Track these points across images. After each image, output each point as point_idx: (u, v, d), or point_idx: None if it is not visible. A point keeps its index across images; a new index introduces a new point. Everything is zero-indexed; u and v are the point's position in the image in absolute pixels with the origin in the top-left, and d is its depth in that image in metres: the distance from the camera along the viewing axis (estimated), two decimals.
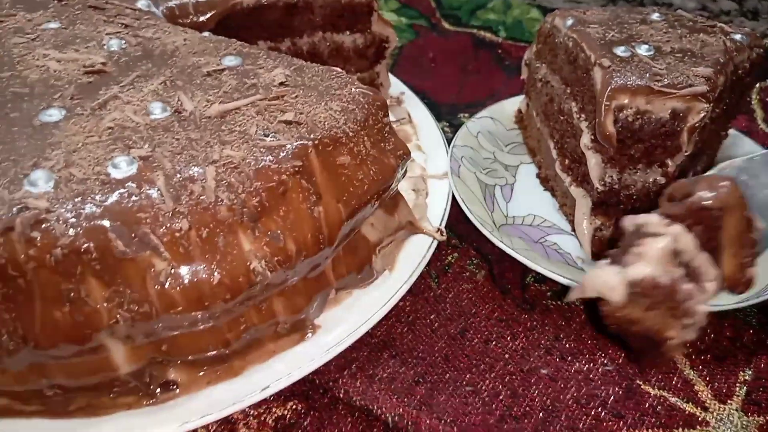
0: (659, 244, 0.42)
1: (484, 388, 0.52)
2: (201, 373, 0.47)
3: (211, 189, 0.43)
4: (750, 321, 0.57)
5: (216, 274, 0.43)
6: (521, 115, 0.78)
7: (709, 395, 0.51)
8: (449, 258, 0.64)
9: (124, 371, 0.45)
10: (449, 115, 0.84)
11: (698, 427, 0.49)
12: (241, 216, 0.43)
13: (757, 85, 0.88)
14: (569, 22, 0.62)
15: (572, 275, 0.56)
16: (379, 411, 0.50)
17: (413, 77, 0.89)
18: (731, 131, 0.69)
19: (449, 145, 0.71)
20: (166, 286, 0.42)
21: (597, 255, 0.60)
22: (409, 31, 1.05)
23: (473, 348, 0.55)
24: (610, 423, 0.49)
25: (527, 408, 0.50)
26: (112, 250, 0.40)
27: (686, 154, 0.55)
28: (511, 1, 1.11)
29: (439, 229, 0.59)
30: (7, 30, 0.56)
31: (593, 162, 0.57)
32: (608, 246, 0.58)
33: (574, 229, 0.63)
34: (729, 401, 0.51)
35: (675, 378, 0.53)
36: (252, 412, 0.50)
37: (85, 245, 0.40)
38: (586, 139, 0.58)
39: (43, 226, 0.39)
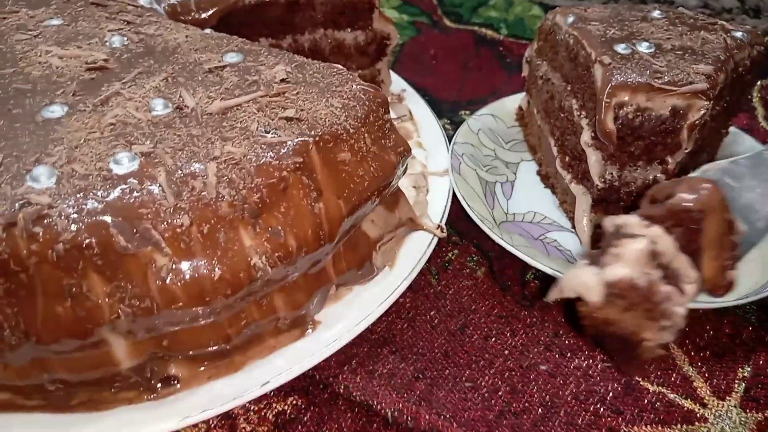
0: (636, 246, 0.42)
1: (483, 384, 0.52)
2: (202, 368, 0.48)
3: (212, 185, 0.43)
4: (749, 318, 0.57)
5: (217, 269, 0.43)
6: (522, 113, 0.78)
7: (708, 392, 0.52)
8: (449, 255, 0.64)
9: (126, 366, 0.45)
10: (450, 113, 0.85)
11: (697, 423, 0.50)
12: (242, 212, 0.43)
13: (759, 82, 0.88)
14: (570, 19, 0.63)
15: None
16: (378, 406, 0.50)
17: (414, 74, 0.90)
18: (732, 129, 0.69)
19: (450, 142, 0.71)
20: (167, 281, 0.42)
21: None
22: (410, 29, 1.05)
23: (473, 344, 0.55)
24: (609, 419, 0.50)
25: (526, 404, 0.51)
26: (113, 245, 0.40)
27: (686, 151, 0.56)
28: None
29: (439, 226, 0.60)
30: (9, 27, 0.57)
31: (593, 159, 0.58)
32: None
33: (574, 226, 0.64)
34: (728, 398, 0.51)
35: (674, 374, 0.53)
36: (252, 407, 0.50)
37: (87, 240, 0.40)
38: (586, 137, 0.58)
39: (46, 221, 0.40)
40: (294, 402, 0.51)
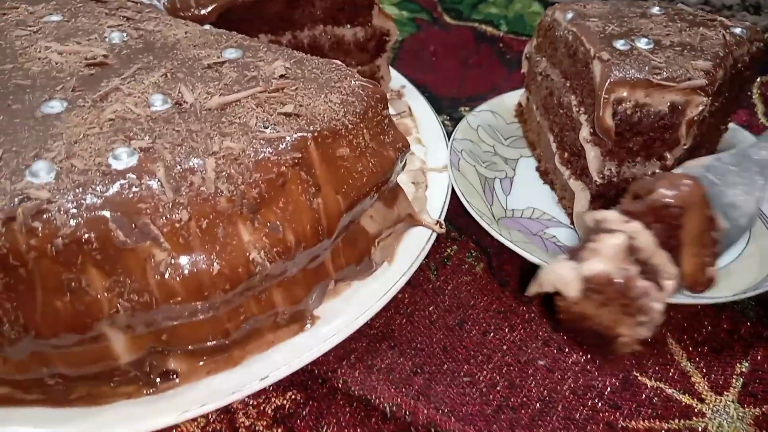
0: (614, 241, 0.42)
1: (481, 378, 0.52)
2: (201, 363, 0.48)
3: (210, 180, 0.43)
4: (748, 314, 0.57)
5: (215, 264, 0.43)
6: (521, 109, 0.78)
7: (706, 387, 0.52)
8: (448, 250, 0.64)
9: (125, 360, 0.45)
10: (450, 109, 0.85)
11: (694, 418, 0.50)
12: (241, 207, 0.43)
13: (759, 79, 0.88)
14: (569, 15, 0.63)
15: None
16: (377, 401, 0.50)
17: (414, 71, 0.90)
18: (731, 125, 0.69)
19: (449, 139, 0.71)
20: (166, 276, 0.42)
21: None
22: (410, 25, 1.05)
23: (471, 339, 0.55)
24: (607, 414, 0.50)
25: (524, 398, 0.51)
26: (112, 240, 0.41)
27: (685, 147, 0.56)
28: None
29: (438, 222, 0.60)
30: (9, 22, 0.57)
31: (592, 155, 0.58)
32: None
33: (572, 222, 0.64)
34: (725, 393, 0.51)
35: (672, 369, 0.53)
36: (251, 401, 0.50)
37: (86, 235, 0.40)
38: (585, 132, 0.58)
39: (45, 216, 0.40)
40: (293, 396, 0.51)
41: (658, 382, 0.52)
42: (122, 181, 0.42)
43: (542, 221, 0.65)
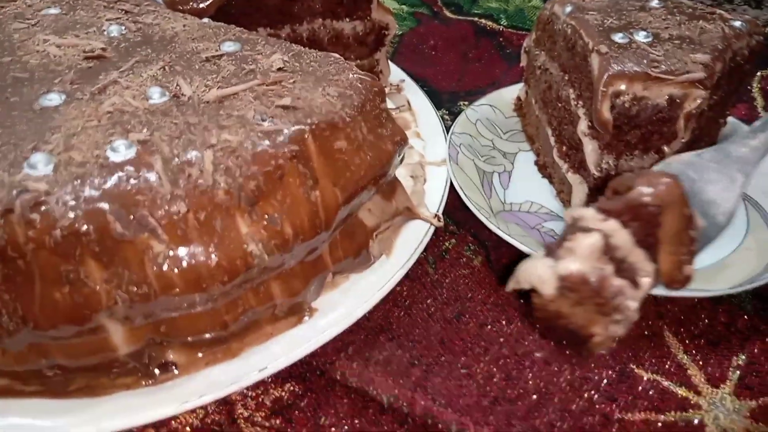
0: (589, 241, 0.41)
1: (478, 370, 0.52)
2: (199, 355, 0.48)
3: (208, 173, 0.43)
4: (745, 307, 0.57)
5: (213, 256, 0.43)
6: (520, 103, 0.78)
7: (702, 379, 0.52)
8: (447, 244, 0.64)
9: (123, 352, 0.45)
10: (449, 103, 0.85)
11: (691, 410, 0.50)
12: (239, 199, 0.44)
13: (759, 73, 0.88)
14: (568, 9, 0.63)
15: None
16: (374, 392, 0.50)
17: (414, 65, 0.90)
18: (730, 119, 0.69)
19: (448, 133, 0.71)
20: (164, 268, 0.42)
21: None
22: (410, 19, 1.05)
23: (469, 332, 0.55)
24: (603, 406, 0.50)
25: (521, 390, 0.51)
26: (110, 232, 0.41)
27: (683, 140, 0.56)
28: None
29: (436, 215, 0.60)
30: (7, 15, 0.57)
31: (590, 148, 0.58)
32: None
33: None
34: (722, 385, 0.51)
35: (668, 362, 0.53)
36: (250, 393, 0.51)
37: (84, 227, 0.40)
38: (583, 126, 0.58)
39: (43, 208, 0.40)
40: (291, 388, 0.51)
41: (654, 375, 0.52)
42: (120, 174, 0.42)
43: (540, 215, 0.65)
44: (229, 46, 0.54)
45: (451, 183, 0.64)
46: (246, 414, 0.49)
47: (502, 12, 1.06)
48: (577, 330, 0.43)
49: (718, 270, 0.57)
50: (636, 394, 0.51)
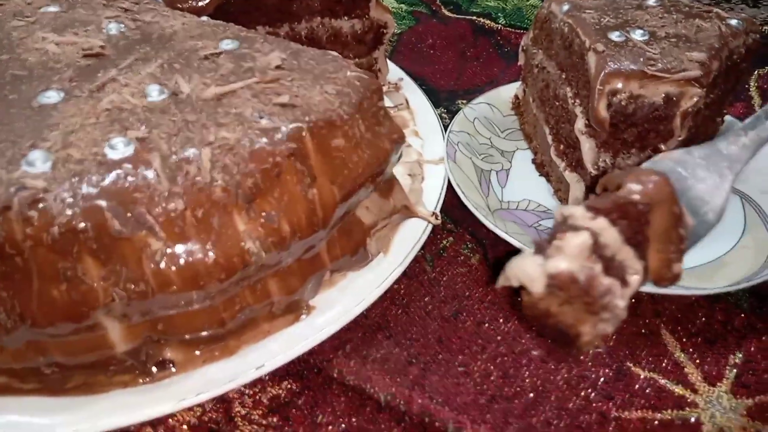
0: (577, 240, 0.41)
1: (475, 368, 0.52)
2: (197, 352, 0.48)
3: (206, 170, 0.43)
4: (742, 305, 0.57)
5: (211, 254, 0.43)
6: (518, 101, 0.78)
7: (699, 377, 0.52)
8: (444, 242, 0.64)
9: (121, 349, 0.46)
10: (447, 101, 0.85)
11: (687, 409, 0.50)
12: (236, 197, 0.44)
13: (756, 72, 0.88)
14: (565, 7, 0.63)
15: None
16: (372, 390, 0.50)
17: (413, 63, 0.90)
18: (727, 118, 0.69)
19: (446, 131, 0.71)
20: (162, 265, 0.42)
21: None
22: (408, 18, 1.05)
23: (466, 330, 0.56)
24: (600, 404, 0.50)
25: (518, 388, 0.51)
26: (108, 229, 0.41)
27: (680, 139, 0.56)
28: None
29: (434, 213, 0.60)
30: (6, 13, 0.57)
31: (587, 147, 0.58)
32: None
33: None
34: (718, 384, 0.52)
35: (665, 360, 0.53)
36: (247, 391, 0.51)
37: (82, 224, 0.40)
38: (580, 124, 0.58)
39: (41, 205, 0.40)
40: (288, 386, 0.51)
41: (651, 373, 0.52)
42: (118, 171, 0.42)
43: (538, 213, 0.66)
44: (227, 44, 0.54)
45: (449, 181, 0.64)
46: (243, 412, 0.50)
47: (500, 11, 1.06)
48: (565, 329, 0.43)
49: (716, 268, 0.57)
50: (633, 393, 0.51)
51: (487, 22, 1.03)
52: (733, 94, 0.65)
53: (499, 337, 0.55)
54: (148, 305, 0.44)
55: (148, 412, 0.45)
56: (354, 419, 0.49)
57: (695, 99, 0.53)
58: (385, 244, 0.57)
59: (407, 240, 0.58)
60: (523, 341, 0.55)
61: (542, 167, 0.71)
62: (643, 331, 0.55)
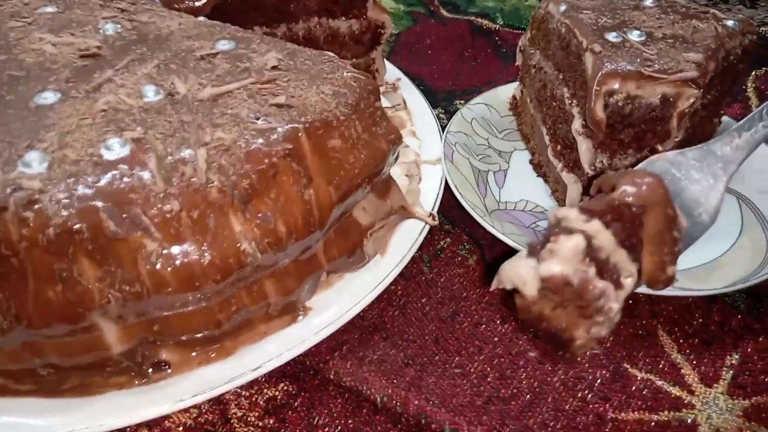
0: (570, 244, 0.41)
1: (472, 370, 0.52)
2: (193, 354, 0.48)
3: (202, 171, 0.43)
4: (738, 306, 0.57)
5: (206, 254, 0.43)
6: (516, 102, 0.78)
7: (696, 379, 0.52)
8: (441, 243, 0.64)
9: (117, 351, 0.46)
10: (445, 102, 0.85)
11: (684, 410, 0.50)
12: (232, 198, 0.44)
13: (753, 72, 0.88)
14: (562, 8, 0.63)
15: None
16: (368, 392, 0.50)
17: (411, 64, 0.90)
18: (725, 118, 0.69)
19: (444, 131, 0.71)
20: (157, 266, 0.42)
21: None
22: (407, 18, 1.05)
23: (463, 331, 0.56)
24: (597, 405, 0.50)
25: (514, 390, 0.51)
26: (103, 230, 0.41)
27: (676, 139, 0.56)
28: None
29: (431, 214, 0.60)
30: (3, 14, 0.57)
31: (584, 147, 0.58)
32: None
33: None
34: (715, 385, 0.52)
35: (662, 361, 0.53)
36: (243, 392, 0.51)
37: (78, 225, 0.40)
38: (577, 125, 0.58)
39: (36, 206, 0.40)
40: (285, 387, 0.51)
41: (648, 374, 0.52)
42: (114, 172, 0.42)
43: (535, 213, 0.66)
44: (223, 45, 0.54)
45: (446, 182, 0.64)
46: (239, 413, 0.50)
47: (498, 11, 1.06)
48: (559, 333, 0.43)
49: (713, 269, 0.57)
50: (629, 394, 0.51)
51: (485, 22, 1.03)
52: (730, 94, 0.65)
53: (496, 339, 0.55)
54: (143, 306, 0.44)
55: (144, 413, 0.45)
56: (350, 421, 0.49)
57: (692, 100, 0.53)
58: (382, 245, 0.57)
59: (404, 241, 0.58)
60: (520, 343, 0.54)
61: (540, 168, 0.71)
62: (640, 332, 0.55)
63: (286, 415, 0.50)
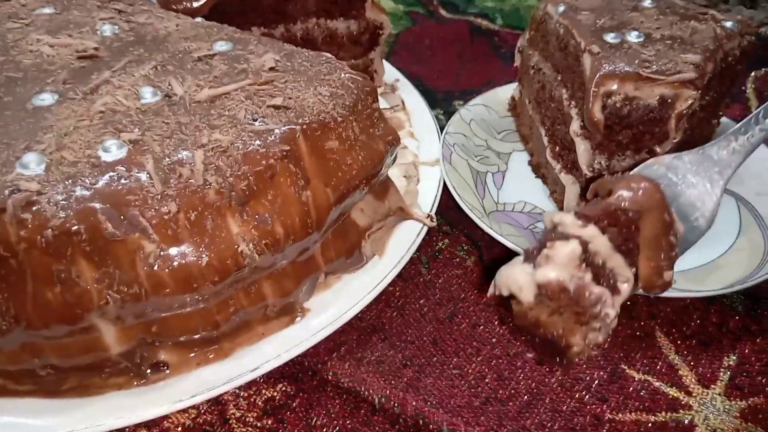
0: (566, 250, 0.41)
1: (470, 371, 0.52)
2: (191, 355, 0.48)
3: (199, 172, 0.43)
4: (736, 307, 0.57)
5: (204, 256, 0.43)
6: (514, 103, 0.78)
7: (693, 380, 0.52)
8: (440, 244, 0.64)
9: (115, 351, 0.46)
10: (444, 102, 0.85)
11: (681, 411, 0.50)
12: (229, 199, 0.44)
13: (753, 73, 0.88)
14: (561, 8, 0.63)
15: None
16: (366, 393, 0.50)
17: (410, 64, 0.90)
18: (723, 119, 0.69)
19: (442, 132, 0.71)
20: (155, 267, 0.42)
21: None
22: (405, 19, 1.05)
23: (461, 332, 0.56)
24: (594, 406, 0.50)
25: (512, 391, 0.51)
26: (101, 231, 0.41)
27: (675, 141, 0.56)
28: None
29: (429, 215, 0.60)
30: (1, 15, 0.57)
31: (582, 148, 0.58)
32: None
33: None
34: (712, 386, 0.52)
35: (660, 363, 0.53)
36: (242, 393, 0.51)
37: (76, 227, 0.40)
38: (575, 126, 0.58)
39: (35, 207, 0.40)
40: (283, 388, 0.51)
41: (645, 375, 0.52)
42: (112, 173, 0.42)
43: (533, 215, 0.66)
44: (221, 46, 0.54)
45: (445, 183, 0.64)
46: (238, 414, 0.50)
47: (497, 11, 1.06)
48: (555, 340, 0.43)
49: (711, 270, 0.57)
50: (627, 395, 0.51)
51: (485, 22, 1.03)
52: (728, 96, 0.65)
53: (494, 340, 0.55)
54: (141, 307, 0.44)
55: (143, 413, 0.45)
56: (348, 421, 0.49)
57: (690, 101, 0.53)
58: (380, 247, 0.57)
59: (402, 242, 0.58)
60: (518, 344, 0.55)
61: (538, 169, 0.71)
62: (637, 333, 0.55)
63: (284, 415, 0.50)
